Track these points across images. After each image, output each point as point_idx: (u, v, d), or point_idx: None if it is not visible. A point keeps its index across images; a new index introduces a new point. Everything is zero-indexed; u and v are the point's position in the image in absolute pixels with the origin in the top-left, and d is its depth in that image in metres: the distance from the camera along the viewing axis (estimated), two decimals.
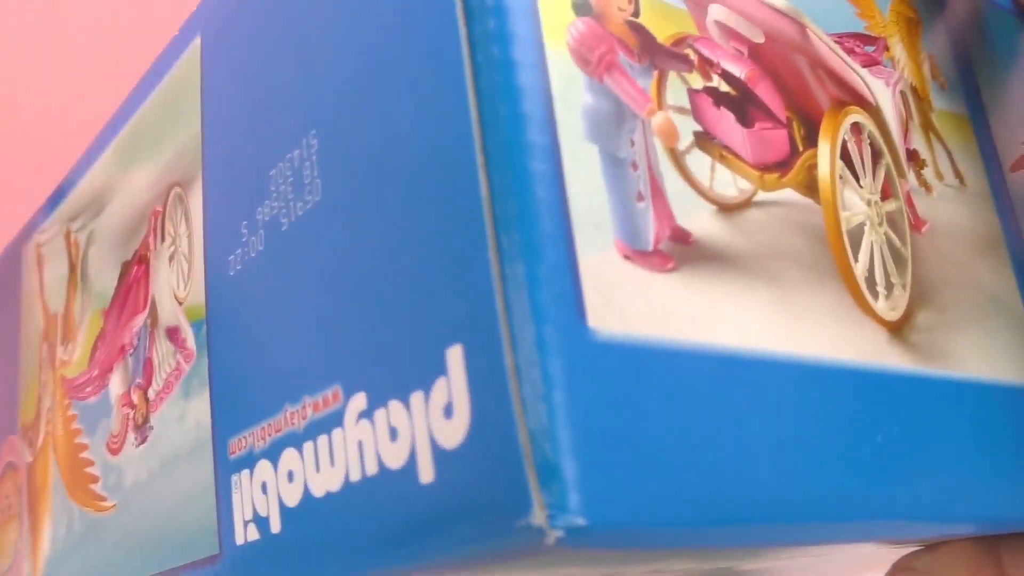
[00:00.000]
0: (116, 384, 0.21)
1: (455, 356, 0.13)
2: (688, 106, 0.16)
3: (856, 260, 0.17)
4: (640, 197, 0.14)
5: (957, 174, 0.20)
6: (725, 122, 0.16)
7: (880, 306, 0.17)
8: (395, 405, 0.13)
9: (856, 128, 0.18)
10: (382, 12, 0.15)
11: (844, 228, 0.17)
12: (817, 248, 0.16)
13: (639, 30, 0.15)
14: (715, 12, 0.17)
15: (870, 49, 0.19)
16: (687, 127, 0.15)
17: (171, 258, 0.20)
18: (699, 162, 0.15)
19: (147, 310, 0.20)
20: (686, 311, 0.14)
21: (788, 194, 0.16)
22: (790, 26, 0.18)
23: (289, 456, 0.15)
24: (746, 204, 0.16)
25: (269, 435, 0.16)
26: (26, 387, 0.26)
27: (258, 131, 0.18)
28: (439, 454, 0.13)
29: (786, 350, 0.15)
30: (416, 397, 0.13)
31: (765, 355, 0.14)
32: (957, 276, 0.19)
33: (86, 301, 0.23)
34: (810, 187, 0.17)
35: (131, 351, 0.21)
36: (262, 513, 0.16)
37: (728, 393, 0.14)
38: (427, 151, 0.14)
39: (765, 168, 0.16)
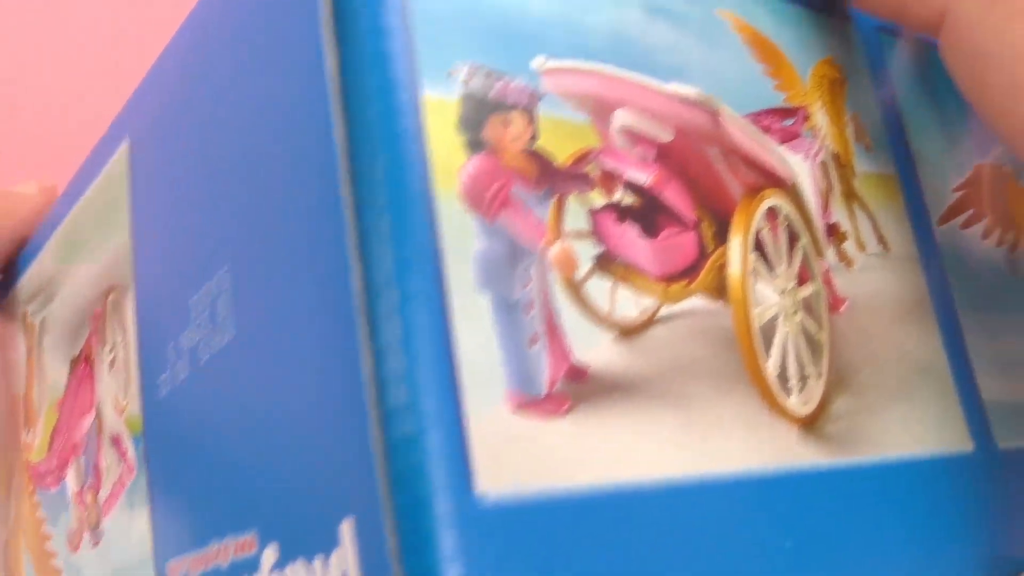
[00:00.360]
0: (72, 480, 0.22)
1: (347, 529, 0.13)
2: (589, 228, 0.16)
3: (768, 357, 0.17)
4: (534, 340, 0.15)
5: (881, 240, 0.20)
6: (628, 237, 0.16)
7: (792, 402, 0.17)
8: (301, 565, 0.14)
9: (772, 213, 0.18)
10: (277, 161, 0.15)
11: (756, 325, 0.17)
12: (724, 353, 0.17)
13: (536, 157, 0.16)
14: (620, 118, 0.17)
15: (788, 123, 0.20)
16: (587, 252, 0.16)
17: (112, 364, 0.20)
18: (599, 288, 0.16)
19: (93, 412, 0.21)
20: (581, 456, 0.14)
21: (695, 302, 0.17)
22: (701, 116, 0.18)
23: None
24: (648, 323, 0.16)
25: (200, 567, 0.16)
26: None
27: (181, 253, 0.18)
28: None
29: (691, 472, 0.15)
30: (319, 561, 0.14)
31: (668, 483, 0.15)
32: (879, 351, 0.19)
33: (43, 389, 0.24)
34: (719, 288, 0.17)
35: (83, 450, 0.22)
36: None
37: (628, 533, 0.14)
38: (315, 309, 0.14)
39: (671, 279, 0.16)
